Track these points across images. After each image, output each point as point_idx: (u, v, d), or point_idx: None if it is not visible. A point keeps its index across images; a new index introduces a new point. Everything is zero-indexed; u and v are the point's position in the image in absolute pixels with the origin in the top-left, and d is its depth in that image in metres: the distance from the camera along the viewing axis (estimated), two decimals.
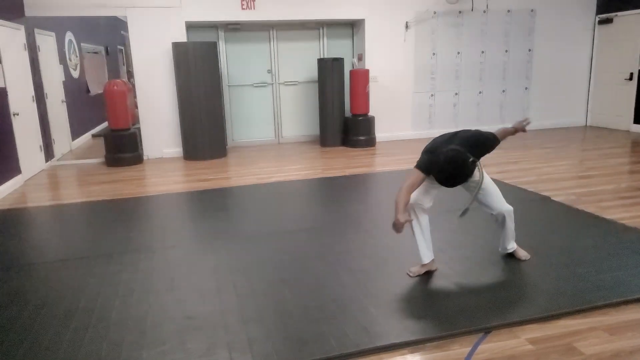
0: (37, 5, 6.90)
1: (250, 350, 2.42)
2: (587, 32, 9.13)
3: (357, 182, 5.82)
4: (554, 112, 9.32)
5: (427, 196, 3.10)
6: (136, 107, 7.83)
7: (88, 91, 10.23)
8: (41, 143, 7.10)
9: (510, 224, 3.27)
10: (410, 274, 3.17)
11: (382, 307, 2.81)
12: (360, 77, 7.92)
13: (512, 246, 3.38)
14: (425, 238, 3.16)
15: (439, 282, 3.10)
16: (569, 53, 9.12)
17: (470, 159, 2.74)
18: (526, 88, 9.11)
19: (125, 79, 12.76)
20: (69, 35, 9.16)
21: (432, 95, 8.70)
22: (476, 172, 3.04)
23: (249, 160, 7.31)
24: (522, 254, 3.39)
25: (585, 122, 9.52)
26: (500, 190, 3.24)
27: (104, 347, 2.50)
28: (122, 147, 7.18)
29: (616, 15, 8.70)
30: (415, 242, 3.18)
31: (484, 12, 8.56)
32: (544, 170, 5.91)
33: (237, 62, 8.28)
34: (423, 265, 3.19)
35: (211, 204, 5.11)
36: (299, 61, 8.50)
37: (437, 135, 3.17)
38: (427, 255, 3.18)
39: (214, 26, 8.05)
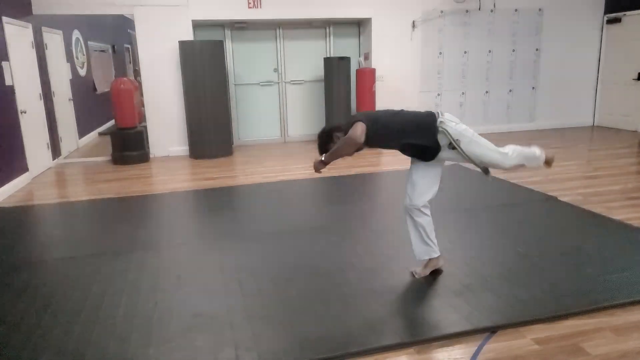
0: (44, 3, 6.94)
1: (256, 348, 2.43)
2: (595, 32, 9.07)
3: (363, 181, 5.82)
4: (561, 112, 9.27)
5: (421, 190, 2.99)
6: (143, 105, 7.86)
7: (95, 89, 10.28)
8: (48, 141, 7.14)
9: (514, 158, 3.00)
10: (415, 275, 3.15)
11: (388, 306, 2.81)
12: (367, 76, 7.91)
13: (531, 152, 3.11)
14: (421, 235, 3.05)
15: (445, 281, 3.09)
16: (577, 53, 9.06)
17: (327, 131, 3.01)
18: (533, 88, 9.07)
19: (132, 77, 12.82)
20: (76, 34, 9.20)
21: (438, 94, 8.68)
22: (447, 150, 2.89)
23: (255, 159, 7.32)
24: (548, 153, 3.16)
25: (593, 122, 9.46)
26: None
27: (111, 344, 2.52)
28: (129, 145, 7.21)
29: (624, 14, 8.64)
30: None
31: (491, 11, 8.52)
32: (551, 171, 5.85)
33: (243, 61, 8.29)
34: (426, 265, 3.15)
35: (217, 202, 5.13)
36: (306, 60, 8.50)
37: None
38: (419, 252, 3.10)
39: (220, 25, 8.06)
